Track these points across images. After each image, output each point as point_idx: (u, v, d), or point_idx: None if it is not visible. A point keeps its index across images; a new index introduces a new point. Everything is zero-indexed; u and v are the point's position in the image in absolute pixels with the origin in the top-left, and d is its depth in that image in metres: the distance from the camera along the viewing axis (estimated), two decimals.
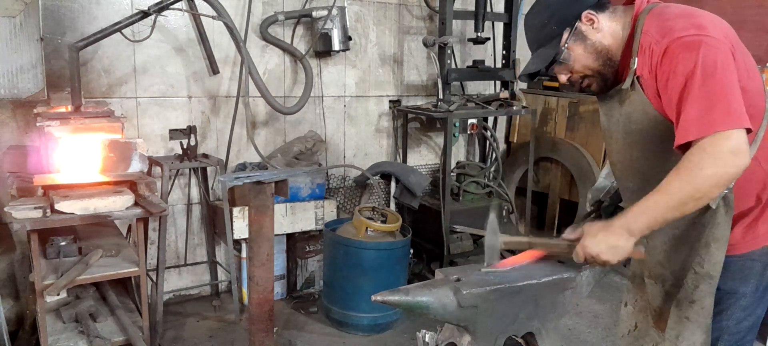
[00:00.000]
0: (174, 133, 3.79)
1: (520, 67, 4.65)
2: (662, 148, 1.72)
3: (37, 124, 2.89)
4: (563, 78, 1.84)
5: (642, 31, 1.70)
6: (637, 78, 1.72)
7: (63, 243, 2.87)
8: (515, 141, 5.30)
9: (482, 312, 1.80)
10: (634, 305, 2.09)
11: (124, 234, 3.51)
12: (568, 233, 1.81)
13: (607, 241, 1.64)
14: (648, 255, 1.96)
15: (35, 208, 2.54)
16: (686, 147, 1.56)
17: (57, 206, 2.59)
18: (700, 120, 1.51)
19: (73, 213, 2.62)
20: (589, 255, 1.67)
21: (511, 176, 5.16)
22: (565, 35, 1.76)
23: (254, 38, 4.06)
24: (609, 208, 2.16)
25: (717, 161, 1.49)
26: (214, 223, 3.99)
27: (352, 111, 4.56)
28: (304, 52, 4.17)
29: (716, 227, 1.73)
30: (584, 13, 1.75)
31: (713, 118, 1.50)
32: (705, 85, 1.52)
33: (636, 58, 1.71)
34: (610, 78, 1.82)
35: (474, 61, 4.60)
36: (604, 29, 1.77)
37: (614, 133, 1.89)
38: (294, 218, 3.94)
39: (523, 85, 5.30)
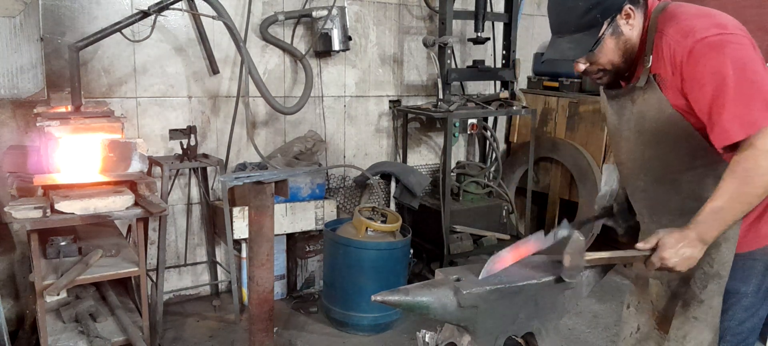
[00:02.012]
0: (174, 133, 3.79)
1: (521, 67, 4.64)
2: (675, 147, 1.71)
3: (37, 124, 2.89)
4: (581, 67, 1.79)
5: (656, 29, 1.69)
6: (654, 76, 1.70)
7: (63, 243, 2.87)
8: (515, 141, 5.31)
9: (482, 312, 1.80)
10: (637, 307, 2.09)
11: (124, 234, 3.51)
12: (642, 244, 1.74)
13: (685, 252, 1.62)
14: None
15: (35, 208, 2.54)
16: (729, 147, 1.56)
17: (57, 206, 2.59)
18: (741, 119, 1.51)
19: (73, 213, 2.62)
20: (666, 266, 1.65)
21: (511, 176, 5.16)
22: (605, 26, 1.70)
23: (254, 38, 4.06)
24: (622, 213, 2.12)
25: None
26: (214, 223, 3.99)
27: (352, 111, 4.56)
28: (304, 52, 4.17)
29: None
30: (626, 7, 1.70)
31: (754, 116, 1.50)
32: (738, 84, 1.52)
33: (650, 56, 1.70)
34: (623, 74, 1.80)
35: (474, 61, 4.60)
36: (635, 26, 1.74)
37: (625, 131, 1.87)
38: (294, 218, 3.94)
39: (524, 85, 5.30)
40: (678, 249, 1.62)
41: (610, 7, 1.69)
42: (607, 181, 2.19)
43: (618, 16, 1.71)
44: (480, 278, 1.81)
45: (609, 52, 1.74)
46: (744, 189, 1.54)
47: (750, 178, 1.52)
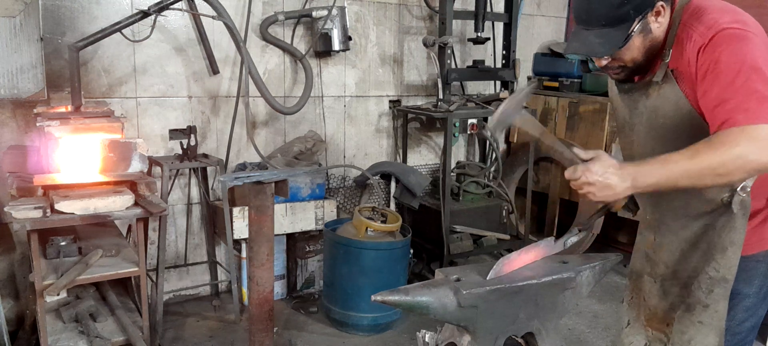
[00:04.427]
0: (174, 133, 3.79)
1: (521, 67, 4.64)
2: (689, 144, 1.70)
3: (37, 124, 2.89)
4: (603, 62, 1.75)
5: (680, 23, 1.66)
6: (672, 70, 1.67)
7: (63, 243, 2.87)
8: (515, 141, 5.31)
9: (482, 312, 1.80)
10: (630, 302, 2.10)
11: (124, 234, 3.51)
12: (581, 152, 1.69)
13: (611, 179, 1.57)
14: (653, 252, 1.96)
15: (35, 208, 2.54)
16: None
17: (57, 206, 2.59)
18: (748, 112, 1.47)
19: (73, 213, 2.62)
20: (586, 180, 1.59)
21: (511, 175, 5.16)
22: (636, 23, 1.64)
23: (254, 38, 4.06)
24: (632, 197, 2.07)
25: (753, 144, 1.45)
26: (214, 223, 3.99)
27: (352, 111, 4.56)
28: (304, 52, 4.17)
29: (734, 231, 1.72)
30: (658, 4, 1.65)
31: (762, 112, 1.46)
32: (751, 79, 1.49)
33: (670, 51, 1.67)
34: (642, 70, 1.76)
35: (474, 61, 4.60)
36: (662, 23, 1.69)
37: (636, 126, 1.85)
38: (294, 218, 3.94)
39: (524, 85, 5.30)
40: (606, 172, 1.57)
41: (644, 3, 1.64)
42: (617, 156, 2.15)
43: (649, 13, 1.65)
44: (488, 278, 1.81)
45: (634, 50, 1.69)
46: (711, 158, 1.48)
47: (722, 151, 1.46)
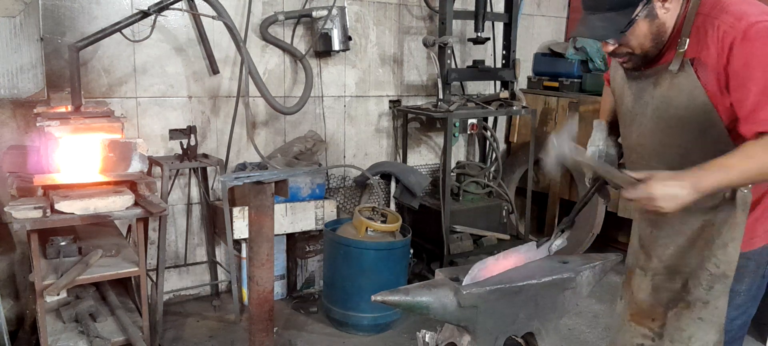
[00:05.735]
0: (174, 133, 3.79)
1: (521, 67, 4.64)
2: (700, 137, 1.68)
3: (37, 124, 2.89)
4: (610, 48, 1.74)
5: (697, 12, 1.65)
6: (691, 61, 1.66)
7: (63, 243, 2.87)
8: (515, 141, 5.31)
9: (482, 312, 1.80)
10: (627, 299, 2.10)
11: (124, 234, 3.51)
12: (634, 173, 1.67)
13: (673, 190, 1.57)
14: (648, 244, 1.95)
15: (35, 208, 2.54)
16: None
17: (57, 206, 2.59)
18: None
19: (73, 213, 2.62)
20: (650, 196, 1.58)
21: (511, 175, 5.16)
22: (639, 7, 1.63)
23: (254, 38, 4.06)
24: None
25: None
26: (214, 223, 3.99)
27: (352, 111, 4.56)
28: (304, 52, 4.17)
29: (734, 226, 1.72)
30: None
31: None
32: None
33: (687, 39, 1.65)
34: (651, 58, 1.75)
35: (474, 61, 4.60)
36: (672, 10, 1.67)
37: (639, 115, 1.83)
38: (294, 218, 3.94)
39: (524, 85, 5.31)
40: (667, 185, 1.57)
41: None
42: (594, 140, 2.08)
43: None
44: (464, 283, 1.79)
45: (640, 36, 1.68)
46: (764, 157, 1.53)
47: None
